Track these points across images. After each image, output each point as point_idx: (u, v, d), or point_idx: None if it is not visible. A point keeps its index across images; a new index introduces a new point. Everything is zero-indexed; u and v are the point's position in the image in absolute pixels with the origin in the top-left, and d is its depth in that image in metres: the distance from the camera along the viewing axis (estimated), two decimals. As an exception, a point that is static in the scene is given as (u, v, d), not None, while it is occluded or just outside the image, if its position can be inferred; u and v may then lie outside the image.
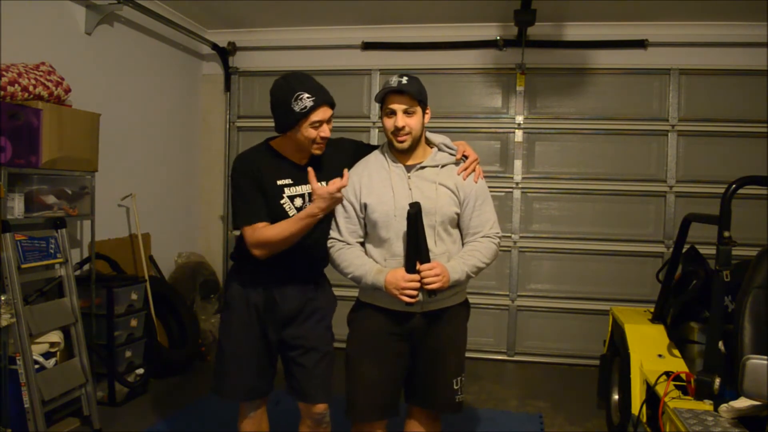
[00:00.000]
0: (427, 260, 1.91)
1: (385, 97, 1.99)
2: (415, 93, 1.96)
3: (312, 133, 1.96)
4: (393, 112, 1.98)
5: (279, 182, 2.03)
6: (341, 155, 2.15)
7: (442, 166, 2.08)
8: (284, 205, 2.03)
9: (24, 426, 2.67)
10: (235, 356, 2.15)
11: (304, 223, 1.92)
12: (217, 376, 2.22)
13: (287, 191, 2.04)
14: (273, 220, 2.00)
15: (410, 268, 1.91)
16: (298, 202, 2.05)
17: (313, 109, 1.93)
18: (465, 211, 2.07)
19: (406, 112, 1.97)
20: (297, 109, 1.92)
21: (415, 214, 1.90)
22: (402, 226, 1.97)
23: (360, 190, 2.05)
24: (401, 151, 2.04)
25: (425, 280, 1.89)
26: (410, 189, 2.02)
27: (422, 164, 2.06)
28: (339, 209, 2.08)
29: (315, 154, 2.03)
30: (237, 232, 2.19)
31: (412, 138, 2.00)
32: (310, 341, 2.14)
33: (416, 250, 1.91)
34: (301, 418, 2.26)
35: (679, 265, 2.92)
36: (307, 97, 1.92)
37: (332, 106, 2.01)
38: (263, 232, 1.97)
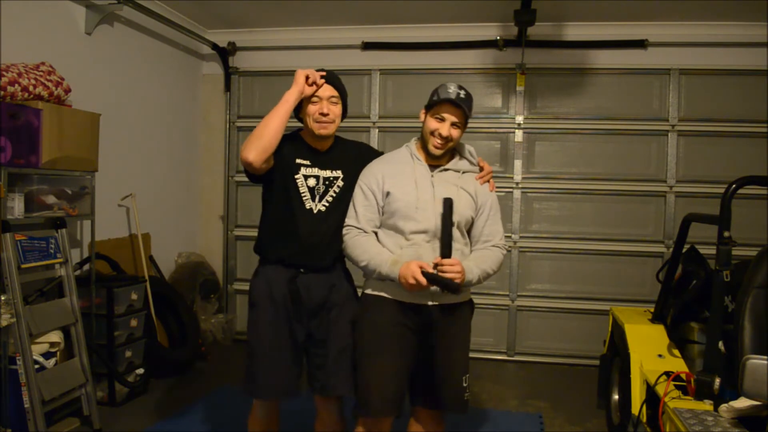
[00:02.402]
0: (449, 255, 1.96)
1: (440, 102, 2.04)
2: (468, 110, 2.05)
3: (311, 108, 2.11)
4: (442, 120, 2.05)
5: (298, 160, 2.15)
6: (358, 153, 2.27)
7: (463, 172, 2.15)
8: (297, 181, 2.13)
9: (24, 426, 2.67)
10: (266, 355, 2.16)
11: (279, 108, 2.04)
12: (248, 376, 2.20)
13: (303, 170, 2.14)
14: (285, 192, 2.12)
15: (446, 254, 1.96)
16: (312, 182, 2.14)
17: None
18: (479, 219, 2.13)
19: (454, 124, 2.05)
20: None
21: (450, 202, 1.97)
22: (421, 218, 2.03)
23: (383, 179, 2.10)
24: (432, 155, 2.11)
25: (446, 275, 1.90)
26: (433, 186, 2.07)
27: (446, 167, 2.14)
28: (359, 197, 2.12)
29: (319, 133, 2.12)
30: (255, 231, 2.26)
31: (449, 148, 2.10)
32: (334, 336, 2.16)
33: (444, 241, 1.97)
34: (316, 414, 2.27)
35: (679, 265, 2.92)
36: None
37: (334, 85, 2.14)
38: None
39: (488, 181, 2.20)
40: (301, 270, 2.13)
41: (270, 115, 2.03)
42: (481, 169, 2.21)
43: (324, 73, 2.09)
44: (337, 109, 2.14)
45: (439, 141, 2.05)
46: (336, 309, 2.18)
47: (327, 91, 2.11)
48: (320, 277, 2.15)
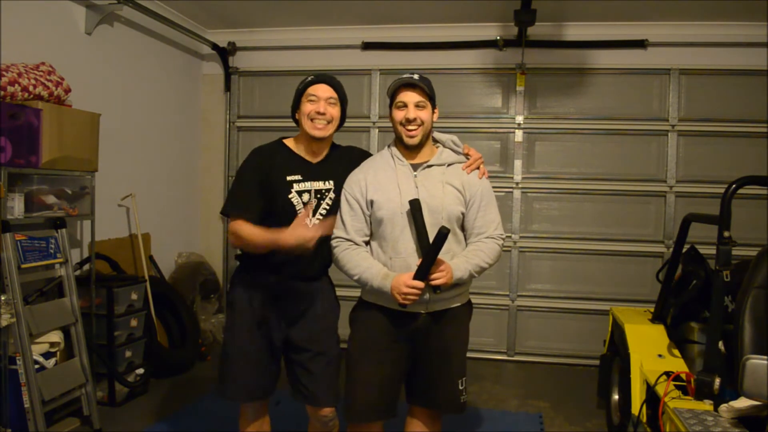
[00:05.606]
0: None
1: (396, 91, 2.03)
2: (427, 88, 2.01)
3: (308, 106, 2.06)
4: (404, 105, 2.01)
5: (288, 178, 2.09)
6: (349, 160, 2.19)
7: (449, 165, 2.09)
8: (292, 199, 2.08)
9: (24, 426, 2.67)
10: (239, 357, 2.15)
11: (267, 242, 1.95)
12: (221, 377, 2.21)
13: (296, 186, 2.09)
14: (281, 212, 2.05)
15: (426, 260, 1.90)
16: (306, 197, 2.10)
17: (311, 83, 2.09)
18: (470, 211, 2.06)
19: (417, 105, 2.01)
20: (300, 86, 2.12)
21: (417, 206, 1.94)
22: (408, 224, 1.98)
23: (366, 187, 2.05)
24: (410, 147, 2.05)
25: (430, 276, 1.89)
26: (417, 187, 2.02)
27: (429, 163, 2.07)
28: (345, 207, 2.08)
29: (312, 134, 2.07)
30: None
31: (423, 131, 2.03)
32: (318, 345, 2.15)
33: (421, 244, 1.93)
34: (309, 420, 2.28)
35: (679, 265, 2.92)
36: (310, 77, 2.12)
37: (334, 87, 2.10)
38: (241, 226, 2.02)
39: (477, 168, 2.11)
40: (285, 276, 2.11)
41: (256, 240, 1.97)
42: (468, 156, 2.13)
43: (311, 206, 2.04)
44: (334, 111, 2.09)
45: (410, 127, 2.01)
46: (320, 318, 2.17)
47: (326, 92, 2.07)
48: (304, 285, 2.14)
